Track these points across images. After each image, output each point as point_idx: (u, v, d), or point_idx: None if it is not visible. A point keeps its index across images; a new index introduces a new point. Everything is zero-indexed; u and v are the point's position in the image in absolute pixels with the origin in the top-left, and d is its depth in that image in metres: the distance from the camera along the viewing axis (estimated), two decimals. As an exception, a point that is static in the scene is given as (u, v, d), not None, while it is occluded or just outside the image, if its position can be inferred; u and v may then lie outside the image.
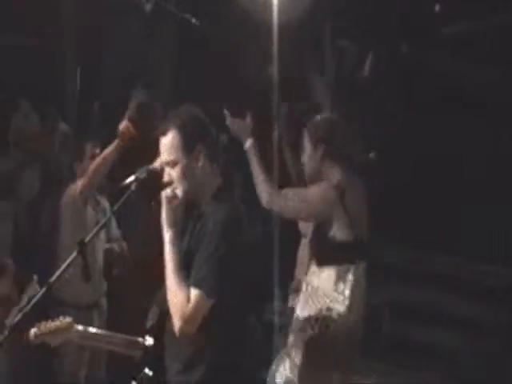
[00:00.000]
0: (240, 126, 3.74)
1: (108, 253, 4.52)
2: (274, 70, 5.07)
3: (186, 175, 2.77)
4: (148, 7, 5.62)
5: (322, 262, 3.66)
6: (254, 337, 2.97)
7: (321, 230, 3.66)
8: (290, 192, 3.68)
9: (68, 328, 2.57)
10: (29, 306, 2.69)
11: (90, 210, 4.53)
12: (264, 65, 5.72)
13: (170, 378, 2.78)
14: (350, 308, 3.62)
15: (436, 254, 6.49)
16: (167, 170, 2.80)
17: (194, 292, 2.64)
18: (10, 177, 5.15)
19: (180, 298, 2.63)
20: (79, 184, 4.45)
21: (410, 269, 6.48)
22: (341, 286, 3.63)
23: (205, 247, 2.67)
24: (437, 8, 6.80)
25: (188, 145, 2.76)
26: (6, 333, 2.69)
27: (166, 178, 2.80)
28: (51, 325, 2.56)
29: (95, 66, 6.57)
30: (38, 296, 2.71)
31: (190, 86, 6.06)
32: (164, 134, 2.79)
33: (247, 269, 2.77)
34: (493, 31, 6.56)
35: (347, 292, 3.62)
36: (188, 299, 2.62)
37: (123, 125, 4.26)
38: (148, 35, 5.89)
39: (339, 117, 3.89)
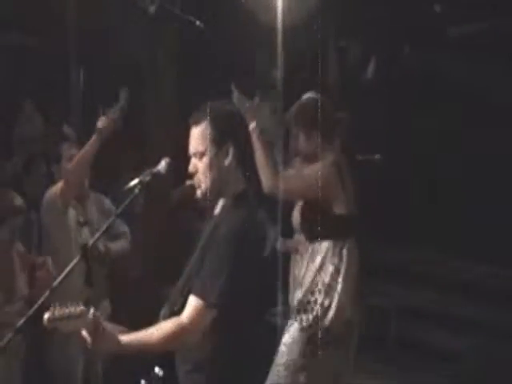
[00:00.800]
0: (247, 104, 3.67)
1: (93, 251, 4.40)
2: (279, 72, 5.06)
3: (211, 168, 2.72)
4: (152, 9, 5.60)
5: (319, 236, 3.74)
6: (262, 340, 2.95)
7: (316, 206, 3.71)
8: (289, 173, 3.75)
9: (81, 315, 2.53)
10: (32, 310, 2.70)
11: (70, 210, 4.45)
12: (269, 66, 5.72)
13: (180, 378, 2.77)
14: (345, 281, 3.70)
15: (443, 255, 6.49)
16: (193, 160, 2.78)
17: (196, 302, 2.61)
18: (18, 177, 5.15)
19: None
20: (59, 188, 4.35)
21: (417, 271, 6.48)
22: (335, 259, 3.72)
23: (214, 255, 2.64)
24: (440, 9, 6.79)
25: (218, 138, 2.72)
26: (11, 336, 2.70)
27: (190, 169, 2.77)
28: (65, 311, 2.52)
29: (99, 68, 6.57)
30: (40, 300, 2.71)
31: (194, 87, 6.06)
32: (196, 124, 2.76)
33: (257, 274, 2.73)
34: (497, 32, 6.56)
35: (343, 265, 3.71)
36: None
37: (104, 121, 4.16)
38: (152, 37, 5.88)
39: (322, 96, 3.89)
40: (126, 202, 2.86)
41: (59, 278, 2.75)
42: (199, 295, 2.61)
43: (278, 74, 5.23)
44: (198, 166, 2.75)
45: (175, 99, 5.88)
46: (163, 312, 2.81)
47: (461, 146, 6.59)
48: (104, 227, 2.94)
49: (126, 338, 2.61)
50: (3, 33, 7.10)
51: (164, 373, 2.73)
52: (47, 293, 2.74)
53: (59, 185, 4.35)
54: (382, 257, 6.51)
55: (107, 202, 4.73)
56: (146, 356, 2.72)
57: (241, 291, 2.63)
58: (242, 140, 2.80)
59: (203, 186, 2.74)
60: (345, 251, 3.73)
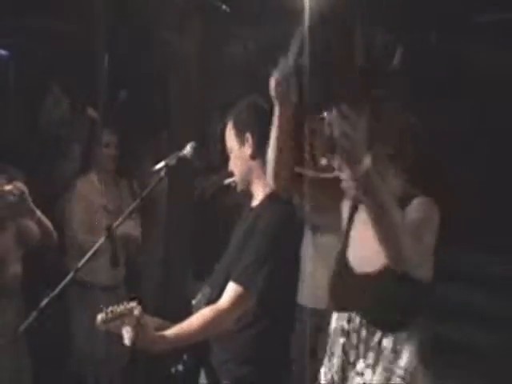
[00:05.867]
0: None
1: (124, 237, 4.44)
2: (306, 58, 5.01)
3: (237, 160, 2.82)
4: (178, -6, 5.56)
5: None
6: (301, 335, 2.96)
7: None
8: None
9: (130, 313, 2.54)
10: (56, 291, 2.70)
11: (98, 194, 4.58)
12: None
13: (217, 365, 2.79)
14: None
15: (471, 251, 6.40)
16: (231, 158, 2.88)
17: (235, 288, 2.64)
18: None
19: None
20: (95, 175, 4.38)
21: (448, 267, 6.40)
22: None
23: (254, 245, 2.67)
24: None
25: (238, 132, 2.81)
26: (35, 315, 2.70)
27: (229, 167, 2.89)
28: (116, 310, 2.53)
29: (124, 54, 6.57)
30: (64, 281, 2.72)
31: (220, 73, 6.03)
32: (227, 123, 2.88)
33: (295, 265, 2.80)
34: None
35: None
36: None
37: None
38: (178, 24, 5.85)
39: None
40: (152, 186, 2.89)
41: (83, 260, 2.76)
42: (238, 281, 2.65)
43: (305, 61, 5.18)
44: (231, 163, 2.88)
45: (201, 87, 5.86)
46: (197, 302, 2.82)
47: (494, 133, 6.47)
48: (129, 209, 2.95)
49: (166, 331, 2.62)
50: (31, 17, 7.13)
51: (195, 362, 2.74)
52: (72, 274, 2.75)
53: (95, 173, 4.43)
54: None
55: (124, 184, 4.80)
56: (181, 347, 2.70)
57: (280, 281, 2.66)
58: (263, 128, 2.79)
59: (236, 178, 2.86)
60: None
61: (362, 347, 2.37)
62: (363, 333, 2.38)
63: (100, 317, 2.52)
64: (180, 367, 2.74)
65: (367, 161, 2.07)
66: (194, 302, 2.85)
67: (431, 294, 2.48)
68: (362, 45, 6.95)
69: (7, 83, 7.03)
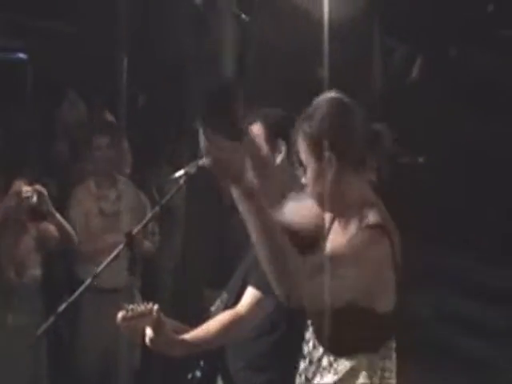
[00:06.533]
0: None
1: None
2: (325, 70, 5.01)
3: None
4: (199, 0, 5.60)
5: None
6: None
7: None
8: (318, 260, 2.15)
9: (150, 313, 2.55)
10: (74, 297, 2.70)
11: (96, 200, 4.62)
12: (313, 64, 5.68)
13: (232, 372, 2.78)
14: None
15: (482, 263, 6.39)
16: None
17: (253, 293, 2.63)
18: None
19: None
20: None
21: (459, 278, 6.39)
22: None
23: None
24: (490, 9, 6.70)
25: (270, 134, 2.75)
26: (53, 319, 2.70)
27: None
28: (137, 309, 2.54)
29: (143, 58, 6.59)
30: (83, 286, 2.72)
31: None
32: (250, 124, 2.80)
33: None
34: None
35: None
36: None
37: None
38: (198, 28, 5.88)
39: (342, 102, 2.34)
40: (171, 193, 2.87)
41: (101, 266, 2.75)
42: (257, 287, 2.62)
43: (324, 72, 5.18)
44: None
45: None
46: (215, 308, 2.80)
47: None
48: (148, 217, 2.94)
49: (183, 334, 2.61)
50: (48, 20, 7.17)
51: (212, 369, 2.73)
52: (89, 280, 2.74)
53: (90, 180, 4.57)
54: (431, 262, 6.42)
55: (143, 197, 4.81)
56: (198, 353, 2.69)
57: None
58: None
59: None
60: None
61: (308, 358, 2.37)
62: (310, 344, 2.37)
63: (121, 314, 2.52)
64: (198, 373, 2.73)
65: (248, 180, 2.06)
66: (212, 308, 2.83)
67: (391, 325, 2.30)
68: (380, 57, 6.96)
69: (25, 86, 7.07)
